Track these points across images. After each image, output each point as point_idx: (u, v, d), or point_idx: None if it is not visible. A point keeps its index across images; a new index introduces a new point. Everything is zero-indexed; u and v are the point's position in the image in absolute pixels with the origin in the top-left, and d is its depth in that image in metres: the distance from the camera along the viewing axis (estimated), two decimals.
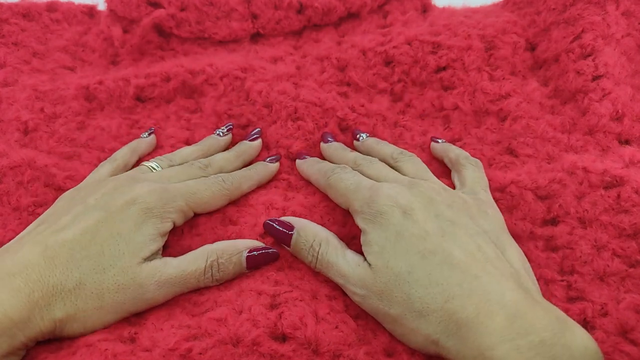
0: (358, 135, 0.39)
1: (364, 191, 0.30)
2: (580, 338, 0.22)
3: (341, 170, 0.32)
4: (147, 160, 0.36)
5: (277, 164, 0.37)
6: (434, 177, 0.33)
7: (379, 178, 0.32)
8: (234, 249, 0.29)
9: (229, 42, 0.47)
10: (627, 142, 0.36)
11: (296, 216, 0.32)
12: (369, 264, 0.27)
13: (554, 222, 0.32)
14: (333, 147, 0.37)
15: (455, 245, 0.26)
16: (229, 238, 0.31)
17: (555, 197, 0.32)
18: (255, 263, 0.29)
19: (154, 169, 0.34)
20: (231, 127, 0.39)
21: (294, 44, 0.47)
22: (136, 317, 0.27)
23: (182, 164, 0.35)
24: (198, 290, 0.29)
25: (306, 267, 0.30)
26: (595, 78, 0.37)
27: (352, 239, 0.32)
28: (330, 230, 0.32)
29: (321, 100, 0.39)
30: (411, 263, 0.25)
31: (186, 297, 0.28)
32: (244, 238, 0.31)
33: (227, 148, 0.39)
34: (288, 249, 0.30)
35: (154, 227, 0.28)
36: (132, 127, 0.41)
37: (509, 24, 0.42)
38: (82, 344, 0.25)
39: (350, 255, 0.28)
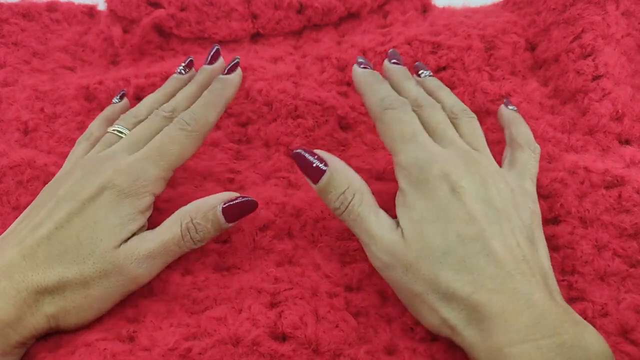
0: (421, 71, 0.35)
1: (418, 149, 0.27)
2: (596, 340, 0.22)
3: (401, 107, 0.29)
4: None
5: (239, 70, 0.33)
6: (488, 149, 0.30)
7: (436, 132, 0.29)
8: (207, 206, 0.27)
9: (229, 42, 0.47)
10: (627, 142, 0.36)
11: (296, 211, 0.32)
12: (402, 232, 0.25)
13: (555, 221, 0.32)
14: (398, 72, 0.33)
15: (496, 237, 0.24)
16: (228, 236, 0.31)
17: (556, 196, 0.32)
18: (233, 215, 0.28)
19: (121, 133, 0.31)
20: (191, 60, 0.36)
21: (294, 44, 0.47)
22: (134, 313, 0.27)
23: (148, 116, 0.32)
24: (196, 285, 0.29)
25: (306, 263, 0.30)
26: (595, 78, 0.37)
27: (351, 234, 0.32)
28: (331, 225, 0.32)
29: (321, 98, 0.39)
30: (448, 244, 0.24)
31: (185, 294, 0.28)
32: (243, 234, 0.31)
33: None
34: (314, 186, 0.27)
35: (131, 207, 0.27)
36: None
37: (509, 24, 0.42)
38: (81, 343, 0.25)
39: (384, 216, 0.26)
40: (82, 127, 0.41)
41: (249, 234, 0.31)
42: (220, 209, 0.27)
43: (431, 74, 0.35)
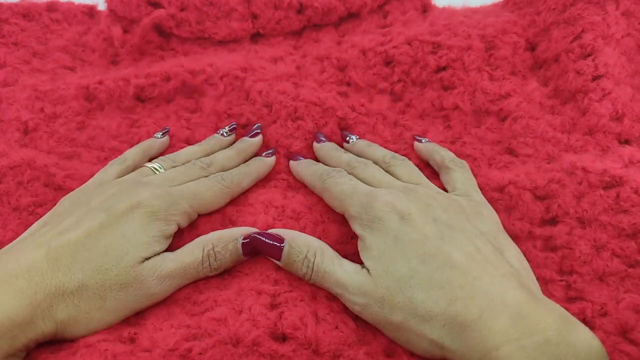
0: (348, 138, 0.39)
1: (360, 197, 0.29)
2: (584, 336, 0.22)
3: (337, 174, 0.32)
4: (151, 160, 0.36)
5: (274, 157, 0.37)
6: (427, 180, 0.33)
7: (374, 182, 0.32)
8: (229, 237, 0.29)
9: (229, 42, 0.47)
10: (627, 142, 0.36)
11: (296, 214, 0.32)
12: (368, 271, 0.26)
13: (552, 222, 0.32)
14: (326, 148, 0.37)
15: (454, 248, 0.26)
16: None
17: (554, 197, 0.32)
18: (252, 249, 0.29)
19: (157, 170, 0.34)
20: (234, 127, 0.40)
21: (294, 44, 0.47)
22: (136, 317, 0.27)
23: (184, 163, 0.35)
24: (197, 288, 0.29)
25: None
26: (595, 78, 0.37)
27: (350, 238, 0.32)
28: (330, 229, 0.32)
29: (321, 99, 0.39)
30: (412, 267, 0.25)
31: (186, 296, 0.28)
32: None
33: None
34: (279, 263, 0.29)
35: (159, 230, 0.28)
36: (132, 126, 0.42)
37: (509, 24, 0.42)
38: (82, 344, 0.25)
39: (347, 263, 0.28)
40: (82, 127, 0.41)
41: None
42: (241, 242, 0.29)
43: (358, 137, 0.39)
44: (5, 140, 0.39)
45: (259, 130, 0.39)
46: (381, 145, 0.39)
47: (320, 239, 0.31)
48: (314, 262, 0.28)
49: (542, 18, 0.42)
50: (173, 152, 0.37)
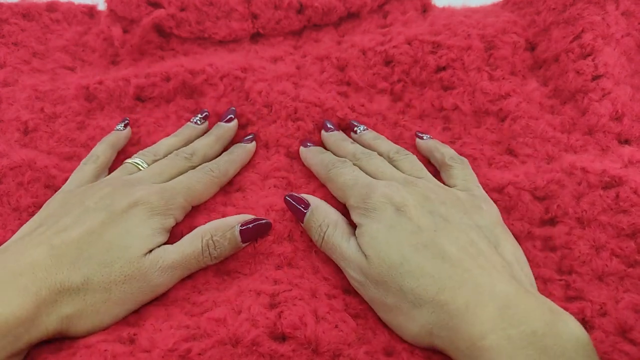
0: (356, 128, 0.39)
1: (360, 188, 0.30)
2: (572, 329, 0.22)
3: (341, 165, 0.33)
4: (132, 156, 0.36)
5: (254, 143, 0.38)
6: (430, 175, 0.33)
7: (377, 174, 0.32)
8: (226, 226, 0.30)
9: (229, 42, 0.47)
10: (626, 141, 0.36)
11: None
12: (365, 255, 0.27)
13: (552, 222, 0.32)
14: (334, 137, 0.38)
15: (447, 240, 0.26)
16: None
17: (553, 197, 0.32)
18: (249, 236, 0.30)
19: (140, 165, 0.34)
20: (207, 113, 0.40)
21: (294, 44, 0.47)
22: (135, 318, 0.28)
23: (166, 156, 0.35)
24: (196, 288, 0.29)
25: (305, 265, 0.30)
26: (595, 78, 0.37)
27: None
28: None
29: (321, 100, 0.39)
30: (403, 255, 0.26)
31: (185, 297, 0.29)
32: None
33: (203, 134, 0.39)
34: (302, 224, 0.31)
35: (160, 223, 0.29)
36: (132, 126, 0.42)
37: (508, 24, 0.42)
38: (82, 345, 0.25)
39: (354, 241, 0.29)
40: (82, 127, 0.41)
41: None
42: (238, 229, 0.30)
43: (365, 128, 0.39)
44: (5, 140, 0.39)
45: (233, 115, 0.39)
46: None
47: None
48: (325, 232, 0.29)
49: (542, 18, 0.42)
50: (154, 145, 0.37)
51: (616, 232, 0.30)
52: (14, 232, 0.32)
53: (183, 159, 0.35)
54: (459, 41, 0.41)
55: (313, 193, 0.35)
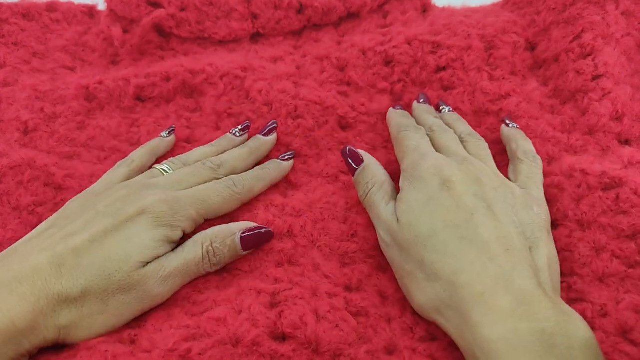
0: (441, 107, 0.39)
1: (416, 155, 0.31)
2: (581, 330, 0.22)
3: (414, 130, 0.34)
4: (162, 161, 0.35)
5: (292, 161, 0.36)
6: (494, 164, 0.32)
7: (442, 149, 0.32)
8: (227, 232, 0.29)
9: (229, 42, 0.47)
10: (627, 142, 0.36)
11: (296, 212, 0.33)
12: (398, 219, 0.28)
13: (552, 225, 0.31)
14: (421, 108, 0.38)
15: (482, 226, 0.26)
16: None
17: (553, 201, 0.32)
18: (250, 244, 0.30)
19: (165, 171, 0.33)
20: (248, 126, 0.38)
21: (294, 44, 0.47)
22: (136, 318, 0.27)
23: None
24: (197, 288, 0.29)
25: (306, 262, 0.30)
26: (595, 78, 0.37)
27: (351, 236, 0.32)
28: (330, 227, 0.32)
29: (321, 98, 0.39)
30: (434, 229, 0.27)
31: (185, 296, 0.28)
32: None
33: None
34: (353, 178, 0.33)
35: (164, 235, 0.28)
36: (132, 126, 0.42)
37: (509, 24, 0.42)
38: (83, 346, 0.25)
39: (392, 205, 0.30)
40: (82, 127, 0.41)
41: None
42: (239, 237, 0.29)
43: (451, 109, 0.39)
44: (5, 140, 0.39)
45: (275, 127, 0.37)
46: (382, 144, 0.39)
47: (319, 237, 0.32)
48: (370, 191, 0.31)
49: (542, 18, 0.42)
50: (187, 152, 0.36)
51: (616, 234, 0.30)
52: (14, 231, 0.33)
53: (208, 169, 0.33)
54: (459, 41, 0.41)
55: (314, 192, 0.35)
